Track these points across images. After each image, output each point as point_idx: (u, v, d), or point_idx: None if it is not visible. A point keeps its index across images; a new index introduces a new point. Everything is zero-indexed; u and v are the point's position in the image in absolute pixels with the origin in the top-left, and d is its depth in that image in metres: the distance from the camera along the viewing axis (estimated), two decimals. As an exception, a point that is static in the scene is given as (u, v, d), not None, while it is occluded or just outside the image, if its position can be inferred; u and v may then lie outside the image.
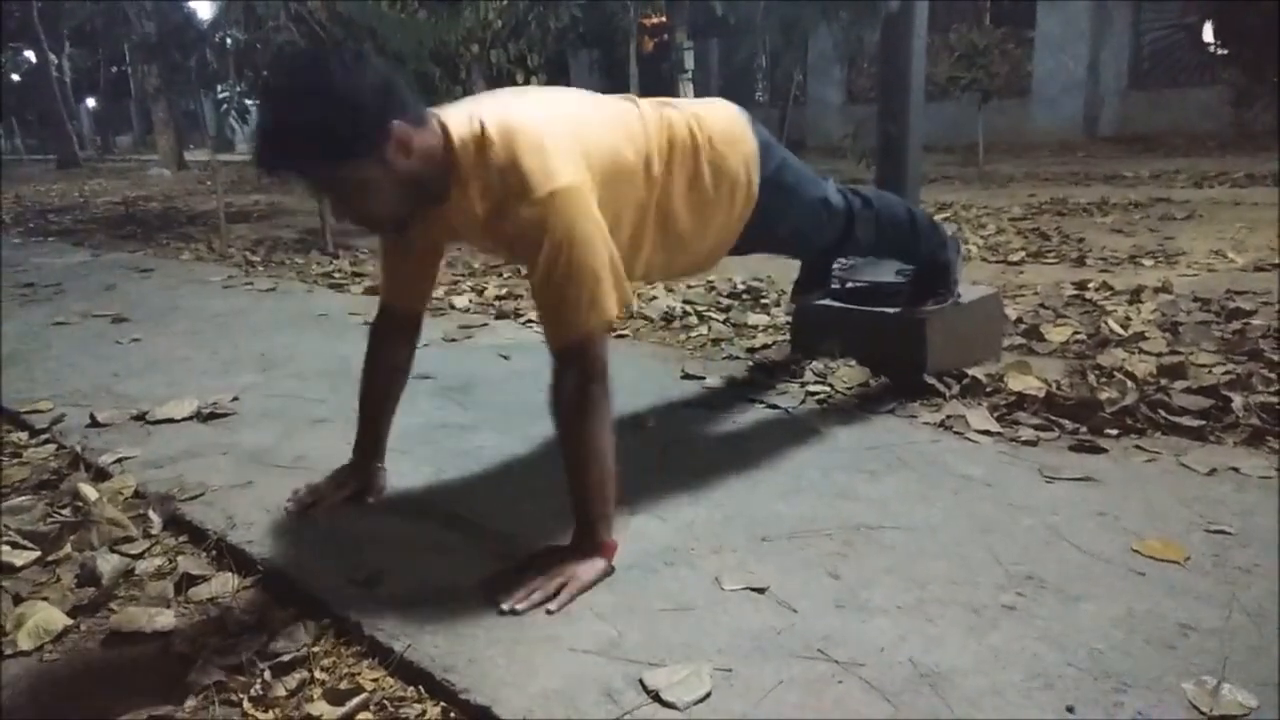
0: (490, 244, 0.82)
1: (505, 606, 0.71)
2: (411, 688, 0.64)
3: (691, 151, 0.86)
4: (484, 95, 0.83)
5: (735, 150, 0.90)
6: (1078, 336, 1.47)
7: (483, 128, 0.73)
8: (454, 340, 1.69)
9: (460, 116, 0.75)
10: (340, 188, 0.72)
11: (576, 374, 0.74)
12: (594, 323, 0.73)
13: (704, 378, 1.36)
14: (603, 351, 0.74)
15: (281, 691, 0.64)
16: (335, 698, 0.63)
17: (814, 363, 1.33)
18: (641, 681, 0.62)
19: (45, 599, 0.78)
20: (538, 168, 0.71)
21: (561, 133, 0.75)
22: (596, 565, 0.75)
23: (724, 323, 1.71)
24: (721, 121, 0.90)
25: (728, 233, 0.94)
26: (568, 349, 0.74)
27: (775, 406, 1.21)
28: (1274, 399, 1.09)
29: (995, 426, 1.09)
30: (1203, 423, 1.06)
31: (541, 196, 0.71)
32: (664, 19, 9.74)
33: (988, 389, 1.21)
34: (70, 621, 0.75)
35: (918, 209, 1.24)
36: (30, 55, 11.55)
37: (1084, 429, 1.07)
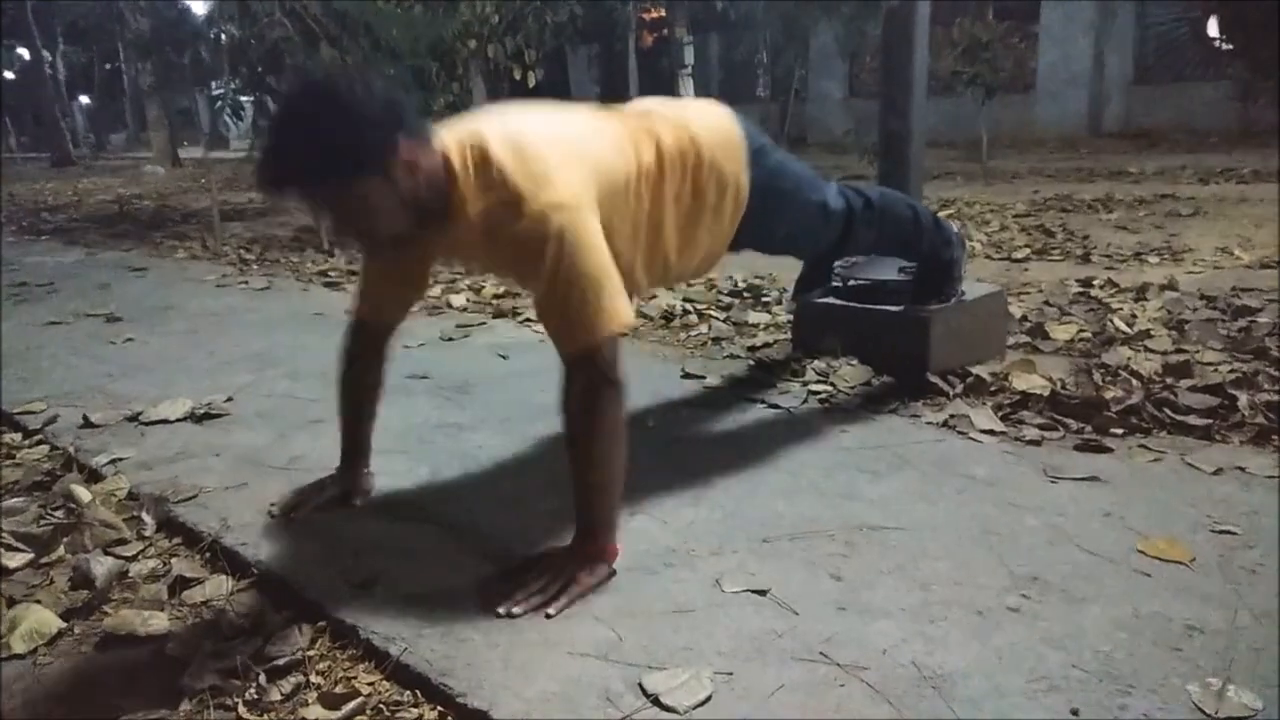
0: (491, 262, 0.81)
1: (503, 610, 0.70)
2: (408, 691, 0.64)
3: (680, 164, 0.85)
4: (478, 113, 0.82)
5: (725, 157, 0.89)
6: (1083, 334, 1.46)
7: (479, 147, 0.73)
8: (451, 339, 1.68)
9: (458, 136, 0.75)
10: (345, 205, 0.72)
11: (588, 381, 0.72)
12: (603, 329, 0.72)
13: (704, 377, 1.35)
14: (614, 357, 0.73)
15: (277, 695, 0.64)
16: (331, 701, 0.62)
17: (816, 361, 1.32)
18: (641, 685, 0.61)
19: (39, 602, 0.77)
20: (535, 179, 0.71)
21: (558, 147, 0.74)
22: (597, 569, 0.74)
23: (724, 321, 1.70)
24: (711, 128, 0.89)
25: (720, 239, 0.93)
26: (578, 357, 0.72)
27: (776, 406, 1.20)
28: (1280, 397, 1.09)
29: (999, 426, 1.08)
30: (1209, 422, 1.05)
31: (540, 207, 0.70)
32: (663, 13, 9.67)
33: (992, 388, 1.20)
34: (64, 624, 0.74)
35: (921, 206, 1.23)
36: (24, 52, 11.48)
37: (1089, 428, 1.06)
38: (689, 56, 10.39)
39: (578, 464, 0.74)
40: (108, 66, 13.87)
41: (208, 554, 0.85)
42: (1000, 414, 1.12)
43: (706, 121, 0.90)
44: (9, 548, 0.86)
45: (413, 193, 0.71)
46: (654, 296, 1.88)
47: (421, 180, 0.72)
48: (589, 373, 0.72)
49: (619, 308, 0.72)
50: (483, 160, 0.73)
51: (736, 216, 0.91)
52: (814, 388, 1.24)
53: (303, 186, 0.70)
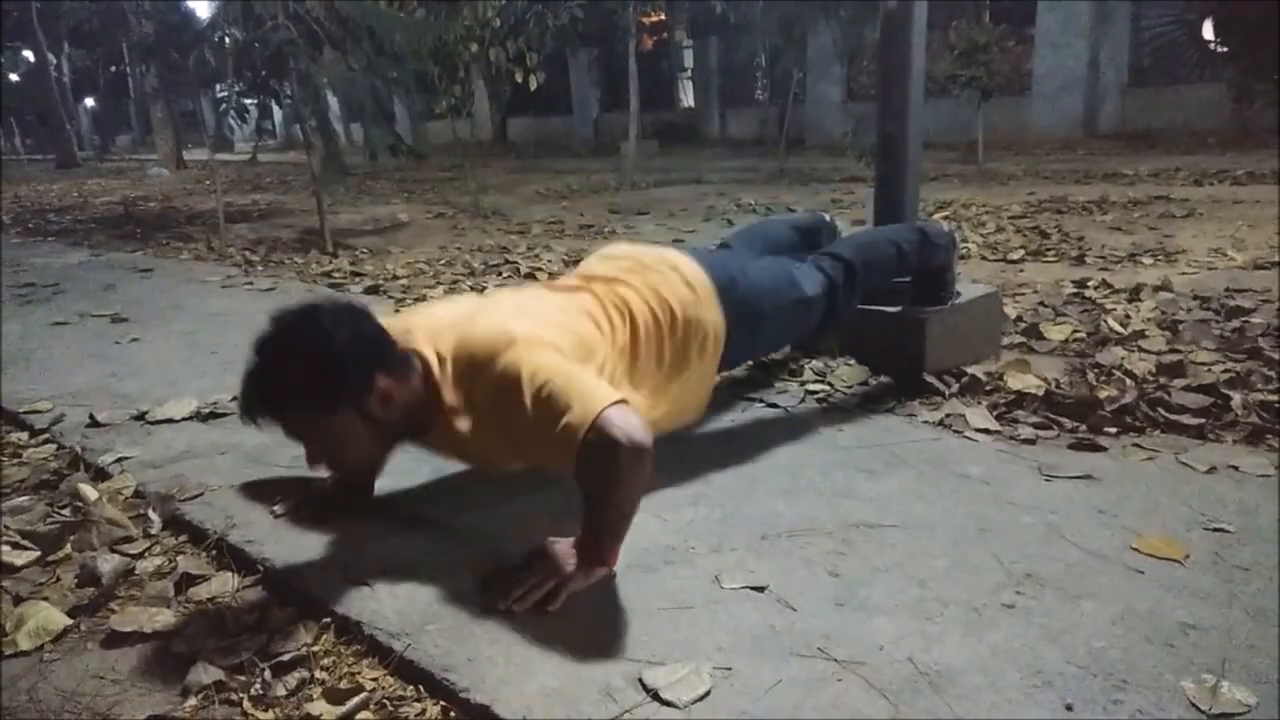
0: (491, 453, 0.80)
1: (504, 606, 0.71)
2: (411, 687, 0.64)
3: (655, 329, 0.87)
4: (443, 307, 0.84)
5: (699, 309, 0.90)
6: (1077, 335, 1.47)
7: (454, 349, 0.76)
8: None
9: (430, 339, 0.78)
10: (320, 438, 0.75)
11: (605, 456, 0.67)
12: (597, 407, 0.67)
13: (703, 377, 1.36)
14: (626, 423, 0.67)
15: (281, 691, 0.64)
16: (335, 697, 0.63)
17: (813, 361, 1.33)
18: (641, 680, 0.62)
19: (45, 599, 0.78)
20: (498, 339, 0.74)
21: (526, 321, 0.77)
22: (597, 568, 0.75)
23: (723, 321, 1.72)
24: (680, 283, 0.90)
25: (705, 380, 0.94)
26: (584, 444, 0.67)
27: (774, 405, 1.21)
28: (1273, 397, 1.09)
29: (995, 425, 1.09)
30: (1202, 421, 1.05)
31: (504, 348, 0.73)
32: (663, 17, 9.72)
33: (987, 387, 1.21)
34: (70, 621, 0.75)
35: (904, 233, 1.22)
36: (29, 55, 11.54)
37: (1083, 427, 1.07)
38: (688, 60, 10.44)
39: (594, 507, 0.72)
40: (113, 69, 13.92)
41: (213, 551, 0.86)
42: (995, 413, 1.13)
43: (674, 277, 0.91)
44: (16, 545, 0.87)
45: (388, 423, 0.75)
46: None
47: (398, 410, 0.75)
48: (601, 447, 0.67)
49: (605, 391, 0.69)
50: (453, 352, 0.76)
51: (717, 355, 0.93)
52: (812, 387, 1.25)
53: (279, 420, 0.73)
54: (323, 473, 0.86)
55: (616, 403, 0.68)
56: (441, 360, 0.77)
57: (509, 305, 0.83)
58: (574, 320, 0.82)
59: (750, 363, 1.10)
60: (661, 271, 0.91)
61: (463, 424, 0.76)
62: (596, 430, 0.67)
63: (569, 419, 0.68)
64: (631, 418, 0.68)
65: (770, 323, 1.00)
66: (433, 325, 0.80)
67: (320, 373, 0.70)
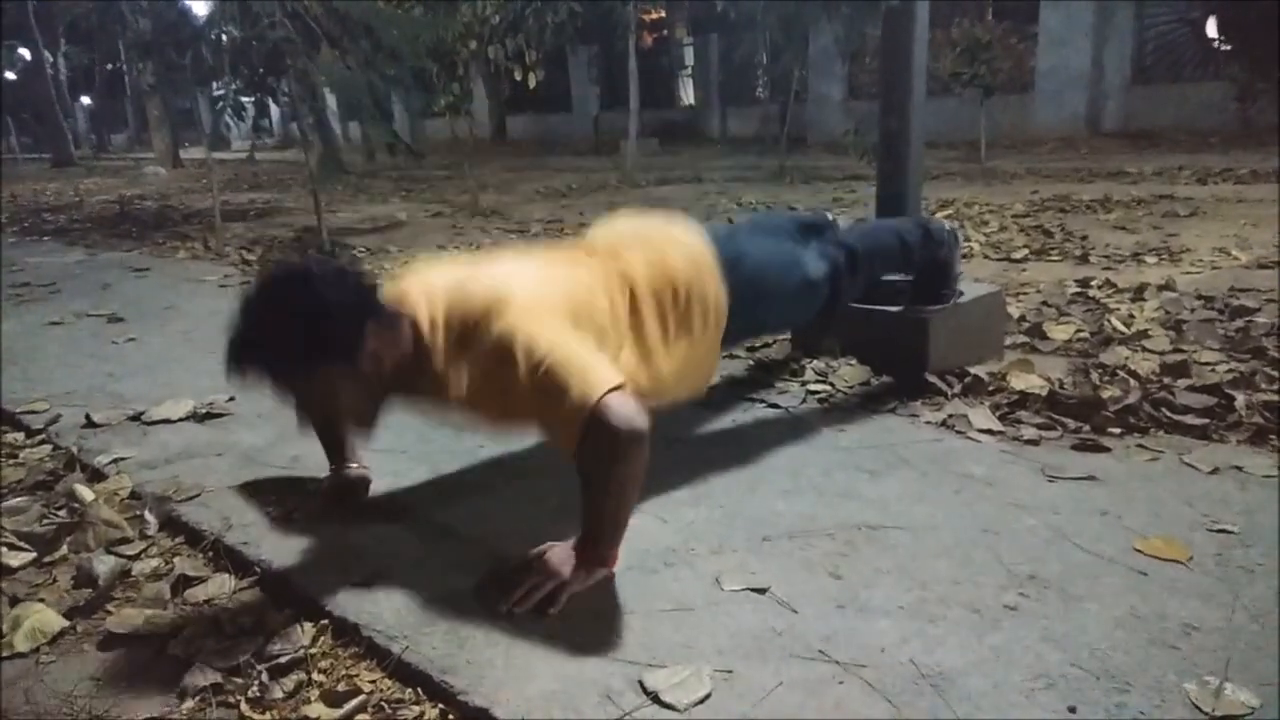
0: (480, 416, 0.79)
1: (504, 608, 0.71)
2: (409, 689, 0.64)
3: (657, 301, 0.86)
4: (440, 268, 0.82)
5: (702, 282, 0.89)
6: (1080, 334, 1.46)
7: (442, 303, 0.76)
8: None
9: (424, 296, 0.77)
10: (311, 393, 0.74)
11: (603, 442, 0.67)
12: (596, 392, 0.67)
13: (704, 376, 1.36)
14: (627, 410, 0.67)
15: (279, 693, 0.64)
16: (333, 699, 0.63)
17: (815, 361, 1.33)
18: (641, 683, 0.62)
19: (42, 600, 0.78)
20: (492, 304, 0.73)
21: (519, 282, 0.76)
22: (597, 570, 0.75)
23: (724, 320, 1.71)
24: (684, 255, 0.89)
25: (710, 353, 0.93)
26: (584, 431, 0.68)
27: (776, 406, 1.21)
28: (1277, 397, 1.09)
29: (997, 425, 1.09)
30: (1206, 421, 1.05)
31: (500, 311, 0.72)
32: (663, 14, 9.69)
33: (990, 387, 1.21)
34: (67, 623, 0.75)
35: (907, 226, 1.22)
36: (25, 53, 11.54)
37: (1086, 428, 1.06)
38: (689, 57, 10.42)
39: (593, 495, 0.72)
40: (109, 67, 13.91)
41: (210, 553, 0.86)
42: (998, 414, 1.12)
43: (678, 249, 0.90)
44: (12, 547, 0.86)
45: (380, 376, 0.74)
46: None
47: (389, 364, 0.74)
48: (601, 435, 0.67)
49: (604, 373, 0.69)
50: (445, 314, 0.75)
51: (719, 327, 0.92)
52: (813, 387, 1.25)
53: (268, 375, 0.72)
54: (310, 431, 0.85)
55: (615, 388, 0.68)
56: (434, 323, 0.75)
57: (507, 267, 0.81)
58: (575, 288, 0.80)
59: (754, 341, 1.10)
60: (664, 244, 0.90)
61: (455, 387, 0.75)
62: (596, 418, 0.67)
63: (568, 403, 0.68)
64: (629, 403, 0.68)
65: (773, 300, 0.99)
66: (427, 286, 0.78)
67: (313, 325, 0.69)
